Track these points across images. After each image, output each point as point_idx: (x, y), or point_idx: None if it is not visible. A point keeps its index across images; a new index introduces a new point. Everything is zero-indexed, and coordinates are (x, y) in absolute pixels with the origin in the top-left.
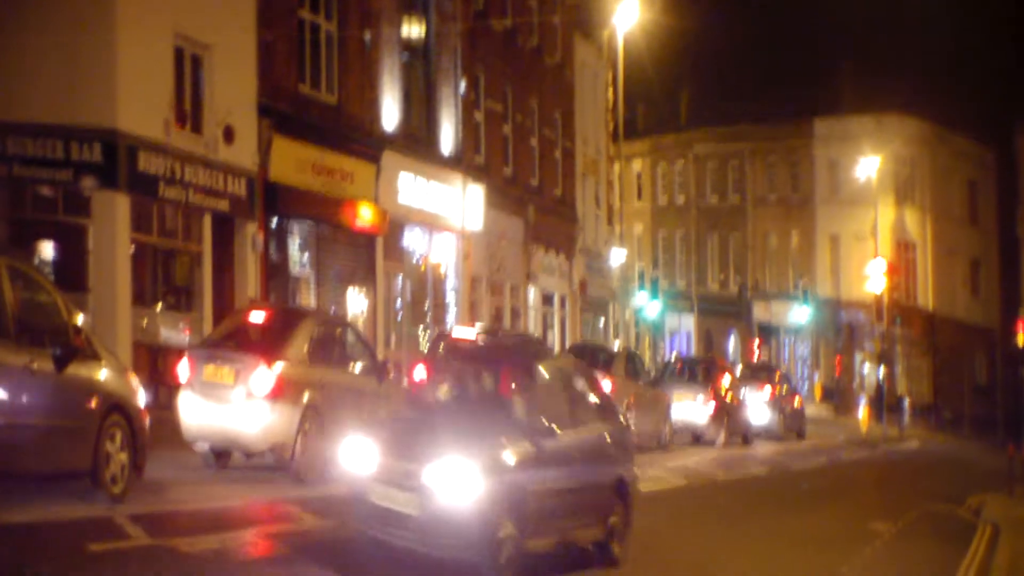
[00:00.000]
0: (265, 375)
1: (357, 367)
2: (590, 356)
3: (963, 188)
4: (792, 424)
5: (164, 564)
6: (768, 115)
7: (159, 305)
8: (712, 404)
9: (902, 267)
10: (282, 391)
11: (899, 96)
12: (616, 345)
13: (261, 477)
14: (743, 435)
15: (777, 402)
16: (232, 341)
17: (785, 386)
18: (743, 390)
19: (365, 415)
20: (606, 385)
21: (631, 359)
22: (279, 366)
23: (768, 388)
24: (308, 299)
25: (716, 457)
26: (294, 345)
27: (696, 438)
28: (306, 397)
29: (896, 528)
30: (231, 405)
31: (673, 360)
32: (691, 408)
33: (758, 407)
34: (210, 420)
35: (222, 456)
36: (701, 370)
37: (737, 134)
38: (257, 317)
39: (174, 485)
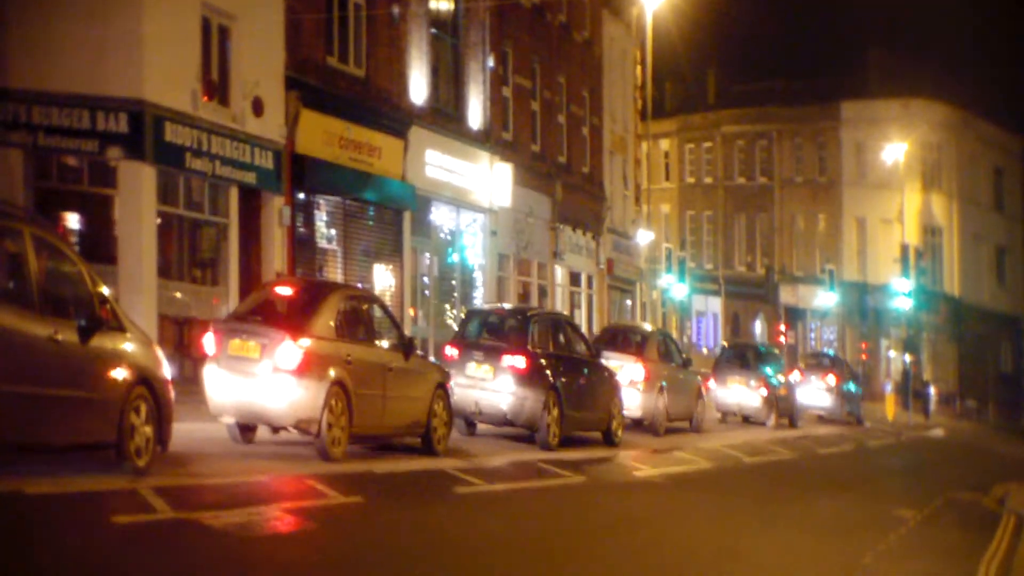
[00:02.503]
0: (291, 349)
1: (384, 343)
2: (623, 338)
3: (989, 174)
4: (853, 409)
5: (188, 537)
6: (796, 97)
7: (192, 285)
8: (764, 389)
9: (928, 252)
10: (308, 366)
11: (926, 81)
12: (647, 327)
13: (286, 452)
14: (790, 417)
15: (839, 389)
16: (258, 315)
17: (847, 374)
18: (811, 377)
19: (391, 391)
20: (639, 369)
21: (665, 341)
22: (305, 341)
23: (832, 376)
24: (335, 274)
25: (762, 437)
26: (321, 320)
27: (745, 419)
28: (332, 372)
29: (921, 516)
30: (257, 379)
31: (727, 347)
32: (744, 393)
33: (822, 394)
34: (236, 394)
35: (247, 431)
36: (752, 357)
37: (765, 115)
38: (284, 291)
39: (199, 459)
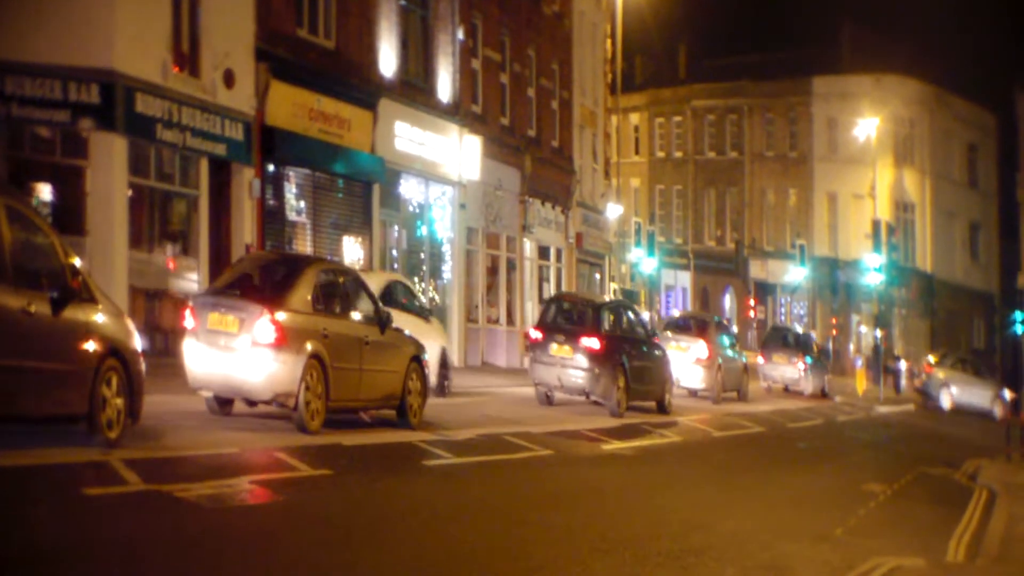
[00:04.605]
0: (269, 323)
1: (360, 316)
2: (686, 323)
3: (963, 151)
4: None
5: (159, 509)
6: (767, 71)
7: (171, 265)
8: (801, 364)
9: (900, 228)
10: (285, 340)
11: (899, 56)
12: (707, 315)
13: (263, 425)
14: (822, 389)
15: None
16: (236, 289)
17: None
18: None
19: (367, 364)
20: (704, 348)
21: (720, 325)
22: (283, 315)
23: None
24: (304, 246)
25: (799, 405)
26: (298, 293)
27: (785, 389)
28: (309, 346)
29: (891, 490)
30: (235, 353)
31: (772, 330)
32: (787, 369)
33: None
34: (214, 368)
35: (225, 403)
36: (793, 338)
37: (736, 90)
38: (262, 264)
39: (172, 431)
